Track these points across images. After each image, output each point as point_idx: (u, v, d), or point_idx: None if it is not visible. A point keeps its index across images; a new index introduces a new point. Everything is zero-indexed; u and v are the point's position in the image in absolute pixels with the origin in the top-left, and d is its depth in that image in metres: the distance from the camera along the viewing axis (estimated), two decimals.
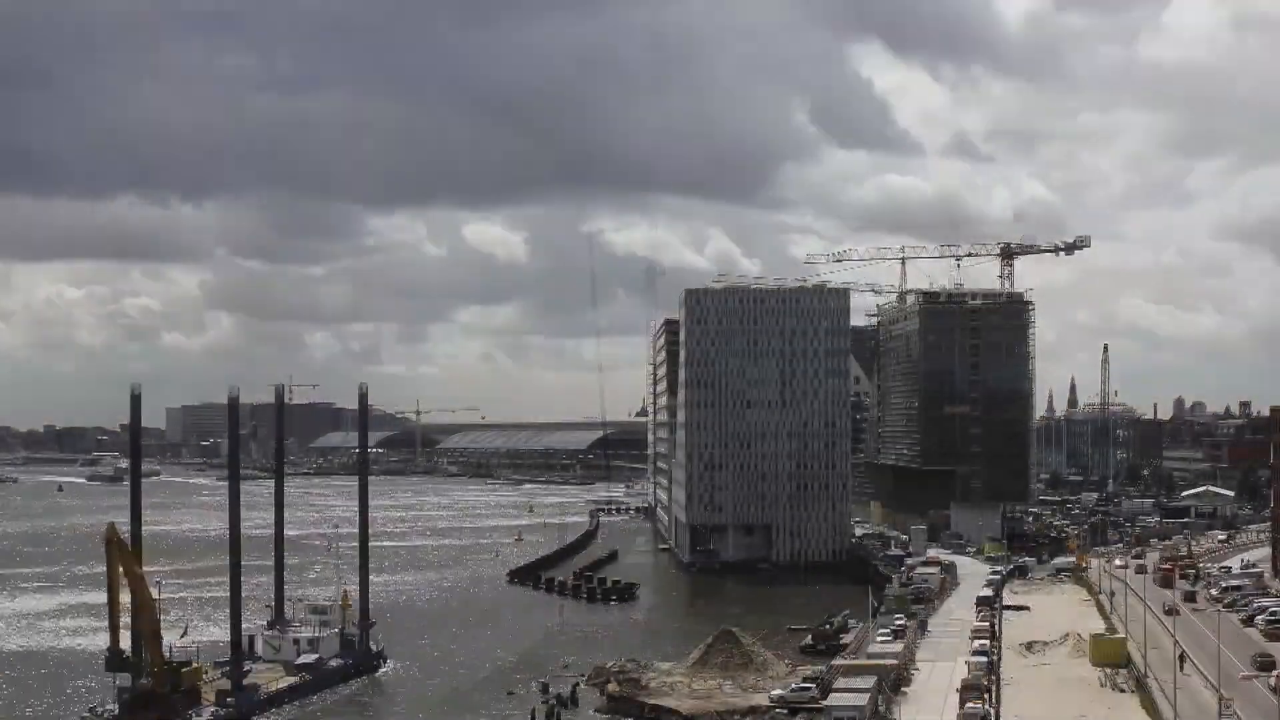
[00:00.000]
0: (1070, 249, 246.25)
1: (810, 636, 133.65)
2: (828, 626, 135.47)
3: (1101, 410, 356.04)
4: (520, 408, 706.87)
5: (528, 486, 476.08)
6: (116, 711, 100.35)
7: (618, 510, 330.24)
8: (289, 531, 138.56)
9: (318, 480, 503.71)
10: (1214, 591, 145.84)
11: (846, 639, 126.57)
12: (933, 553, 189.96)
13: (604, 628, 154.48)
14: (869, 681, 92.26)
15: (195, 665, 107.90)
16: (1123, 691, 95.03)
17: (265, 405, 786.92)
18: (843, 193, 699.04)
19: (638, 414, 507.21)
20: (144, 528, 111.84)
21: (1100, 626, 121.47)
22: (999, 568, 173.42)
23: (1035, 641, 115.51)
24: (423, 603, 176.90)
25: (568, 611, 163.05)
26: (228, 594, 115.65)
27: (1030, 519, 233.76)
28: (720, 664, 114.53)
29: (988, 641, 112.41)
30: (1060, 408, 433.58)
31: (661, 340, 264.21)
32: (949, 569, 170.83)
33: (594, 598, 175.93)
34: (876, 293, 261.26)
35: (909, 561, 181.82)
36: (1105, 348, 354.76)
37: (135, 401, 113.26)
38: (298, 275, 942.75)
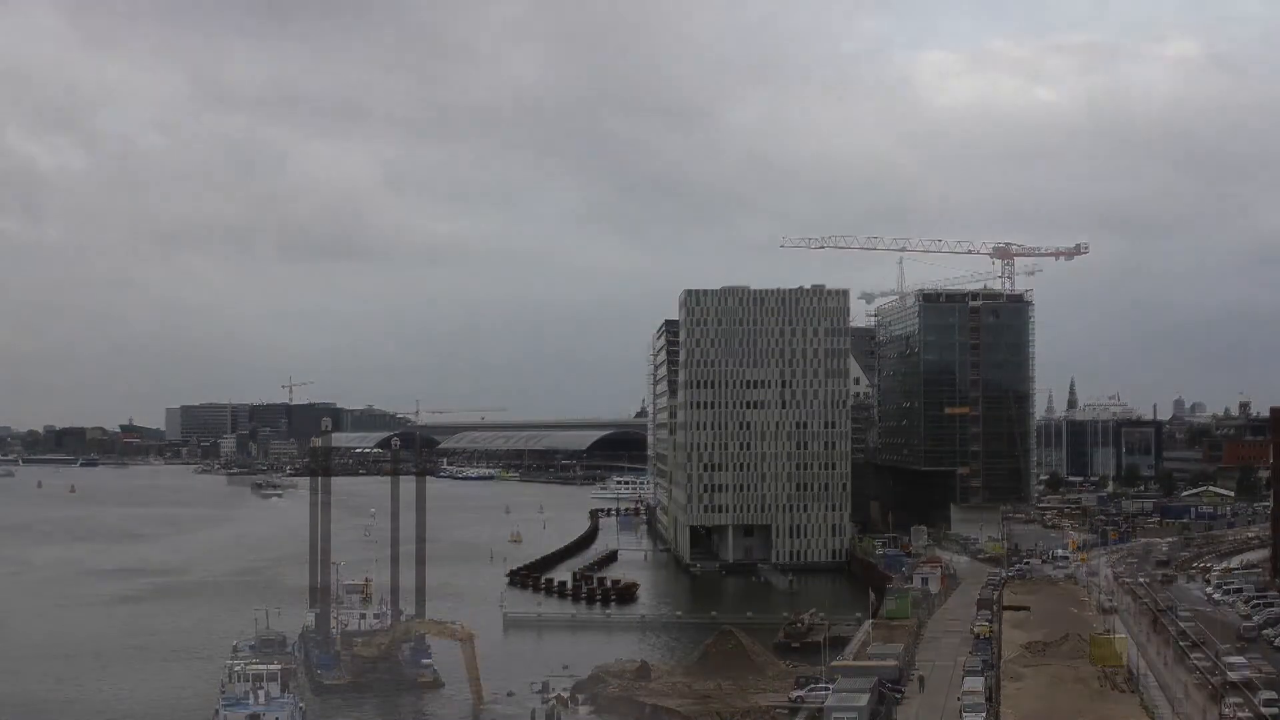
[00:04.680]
0: (1071, 255, 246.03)
1: (782, 634, 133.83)
2: (799, 625, 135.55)
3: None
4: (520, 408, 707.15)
5: (530, 485, 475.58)
6: None
7: (617, 512, 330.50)
8: None
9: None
10: (1217, 595, 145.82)
11: (817, 637, 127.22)
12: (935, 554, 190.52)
13: (604, 628, 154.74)
14: (868, 682, 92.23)
15: None
16: (1122, 691, 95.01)
17: (262, 406, 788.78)
18: None
19: (637, 414, 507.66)
20: None
21: (1099, 627, 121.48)
22: (998, 570, 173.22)
23: (1035, 641, 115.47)
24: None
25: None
26: None
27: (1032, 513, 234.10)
28: (720, 664, 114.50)
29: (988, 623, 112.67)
30: (1060, 408, 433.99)
31: (661, 340, 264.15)
32: (949, 570, 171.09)
33: (594, 598, 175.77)
34: (868, 300, 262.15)
35: (910, 562, 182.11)
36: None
37: None
38: None
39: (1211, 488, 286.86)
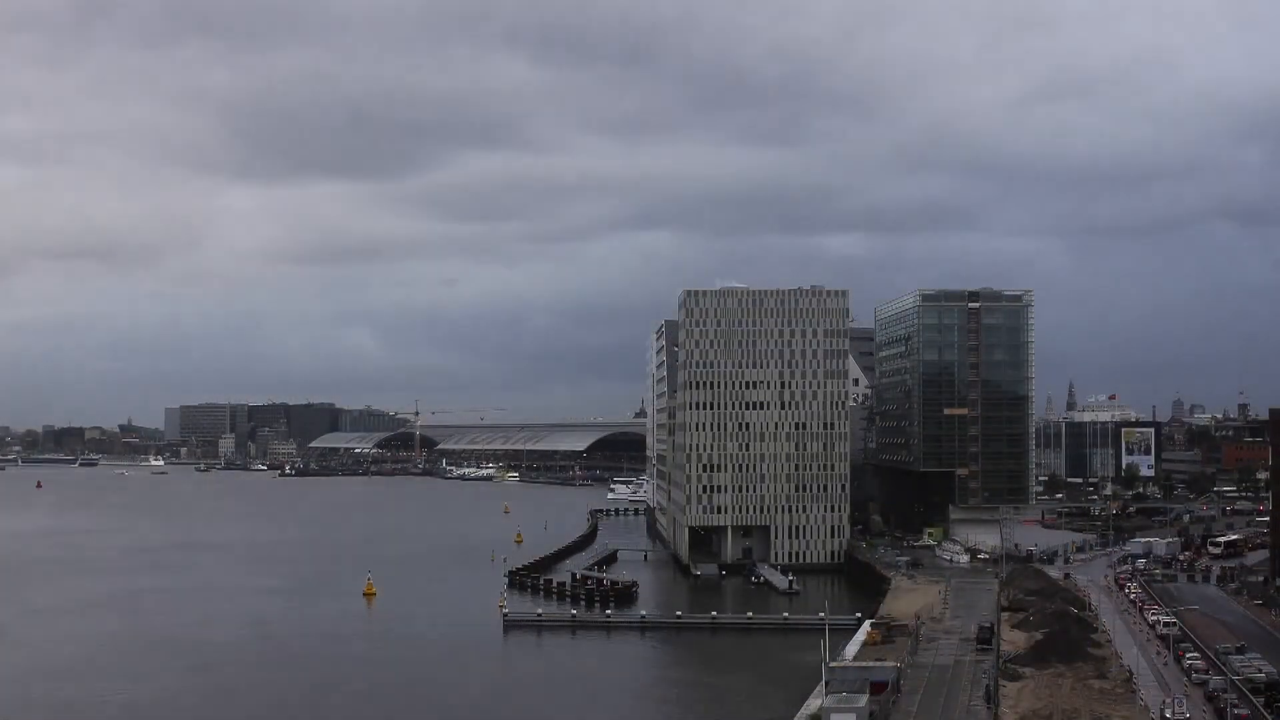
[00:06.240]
0: None
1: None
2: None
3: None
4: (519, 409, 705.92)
5: (529, 486, 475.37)
6: None
7: (618, 513, 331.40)
8: None
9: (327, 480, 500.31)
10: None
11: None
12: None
13: (604, 629, 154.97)
14: (867, 684, 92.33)
15: None
16: (1121, 691, 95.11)
17: (261, 406, 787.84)
18: None
19: (637, 415, 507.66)
20: None
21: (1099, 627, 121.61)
22: (998, 571, 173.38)
23: (1035, 641, 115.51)
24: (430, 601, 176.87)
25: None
26: None
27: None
28: None
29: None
30: (1059, 409, 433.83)
31: (661, 341, 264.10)
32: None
33: (593, 599, 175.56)
34: None
35: (938, 551, 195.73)
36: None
37: None
38: None
39: (1210, 490, 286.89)
